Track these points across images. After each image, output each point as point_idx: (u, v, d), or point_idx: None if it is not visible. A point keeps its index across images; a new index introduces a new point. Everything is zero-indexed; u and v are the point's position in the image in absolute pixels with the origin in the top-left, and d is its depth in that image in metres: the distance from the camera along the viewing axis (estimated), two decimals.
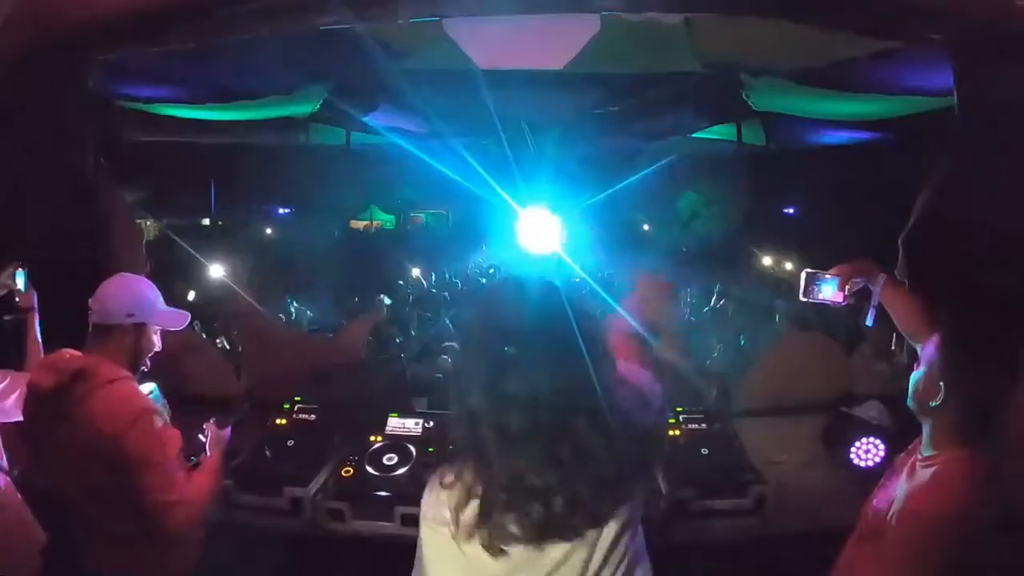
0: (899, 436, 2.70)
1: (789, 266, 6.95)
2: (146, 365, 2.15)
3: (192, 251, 5.69)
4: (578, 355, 1.17)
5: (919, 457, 1.69)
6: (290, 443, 2.73)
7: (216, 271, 5.60)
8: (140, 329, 2.08)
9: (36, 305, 2.54)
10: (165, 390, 2.40)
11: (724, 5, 3.25)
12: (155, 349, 2.15)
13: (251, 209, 8.11)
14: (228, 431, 2.36)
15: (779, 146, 6.79)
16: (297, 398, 2.94)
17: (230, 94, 4.78)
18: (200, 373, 3.59)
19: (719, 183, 7.80)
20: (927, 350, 1.66)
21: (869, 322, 2.00)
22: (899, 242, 3.37)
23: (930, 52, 3.56)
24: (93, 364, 1.98)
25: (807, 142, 6.87)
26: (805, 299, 2.02)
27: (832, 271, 1.98)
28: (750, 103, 5.84)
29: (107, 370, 1.98)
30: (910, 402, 1.71)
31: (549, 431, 1.15)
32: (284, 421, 2.86)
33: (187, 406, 3.12)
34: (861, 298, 2.03)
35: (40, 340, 2.52)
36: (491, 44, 3.33)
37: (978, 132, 3.02)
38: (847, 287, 1.96)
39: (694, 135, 7.10)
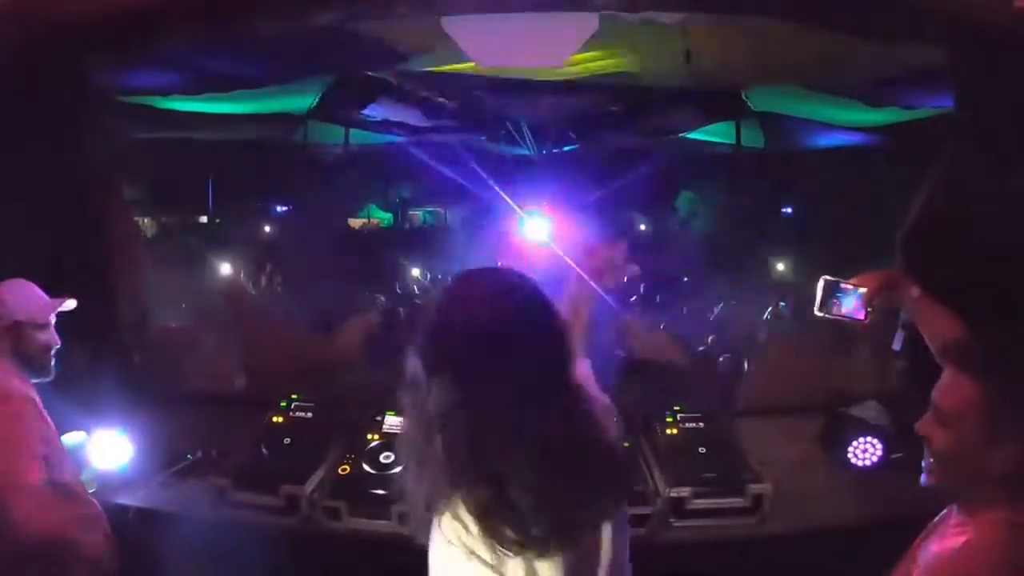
0: (896, 435, 2.71)
1: (781, 267, 6.95)
2: (46, 365, 2.12)
3: (190, 248, 5.69)
4: (553, 359, 1.10)
5: (950, 523, 1.36)
6: (287, 441, 2.73)
7: (214, 268, 5.59)
8: (14, 328, 2.05)
9: None
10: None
11: (722, 5, 3.25)
12: (47, 344, 2.12)
13: (249, 207, 8.09)
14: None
15: (777, 147, 6.80)
16: (294, 396, 2.94)
17: (228, 82, 4.77)
18: (197, 372, 3.59)
19: (716, 183, 7.82)
20: (964, 389, 1.26)
21: (897, 346, 1.80)
22: (896, 243, 3.39)
23: (931, 73, 3.59)
24: None
25: (805, 144, 6.89)
26: (821, 313, 1.75)
27: (855, 281, 1.73)
28: (748, 104, 5.87)
29: None
30: (941, 467, 1.31)
31: (525, 442, 1.05)
32: (281, 419, 2.86)
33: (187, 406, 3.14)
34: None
35: None
36: (489, 43, 3.32)
37: (977, 136, 3.03)
38: (872, 301, 1.70)
39: (692, 136, 7.11)
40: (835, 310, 1.74)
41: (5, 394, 1.96)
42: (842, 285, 1.74)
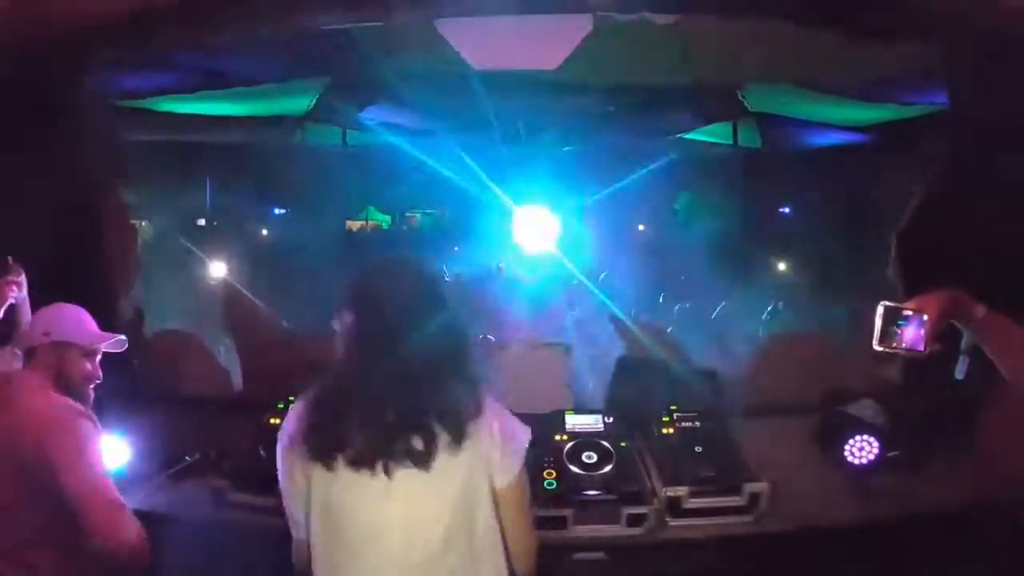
0: (893, 434, 2.71)
1: (780, 266, 6.97)
2: (84, 396, 2.11)
3: (187, 251, 5.69)
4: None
5: None
6: None
7: (212, 271, 5.60)
8: (61, 348, 2.06)
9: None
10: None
11: (718, 5, 3.26)
12: (89, 375, 2.12)
13: (247, 210, 8.09)
14: None
15: (774, 147, 6.82)
16: (291, 397, 2.93)
17: (225, 83, 4.78)
18: (196, 374, 3.59)
19: (715, 183, 7.82)
20: None
21: (960, 375, 1.58)
22: (893, 239, 3.39)
23: (926, 72, 3.60)
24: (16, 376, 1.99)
25: (802, 143, 6.90)
26: (881, 348, 1.53)
27: (913, 304, 1.53)
28: (746, 104, 5.88)
29: (29, 381, 1.97)
30: None
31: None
32: (278, 420, 2.85)
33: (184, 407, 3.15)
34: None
35: None
36: (484, 44, 3.34)
37: (971, 133, 3.04)
38: (936, 329, 1.50)
39: (689, 136, 7.12)
40: (896, 342, 1.52)
41: (75, 411, 1.93)
42: (904, 312, 1.52)
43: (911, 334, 1.51)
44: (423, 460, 1.45)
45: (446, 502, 1.48)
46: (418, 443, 1.45)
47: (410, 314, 1.52)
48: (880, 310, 1.53)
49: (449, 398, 1.48)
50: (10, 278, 2.46)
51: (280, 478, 1.62)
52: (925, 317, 1.50)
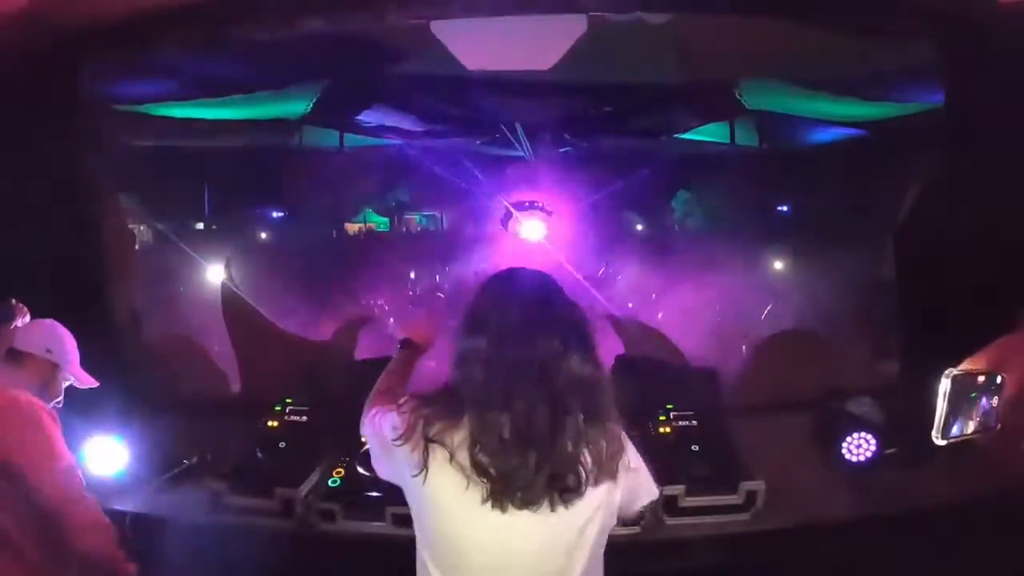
0: (890, 431, 2.71)
1: (779, 265, 6.97)
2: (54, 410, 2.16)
3: (185, 255, 5.69)
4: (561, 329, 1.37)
5: None
6: (281, 444, 2.73)
7: (210, 275, 5.59)
8: (55, 368, 2.18)
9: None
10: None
11: (714, 4, 3.27)
12: (59, 398, 2.22)
13: (245, 213, 8.09)
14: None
15: (772, 145, 6.82)
16: (288, 400, 2.94)
17: (222, 86, 4.79)
18: (193, 378, 3.59)
19: (712, 182, 7.82)
20: None
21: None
22: (891, 240, 3.40)
23: (921, 67, 3.60)
24: None
25: (800, 141, 6.90)
26: (953, 435, 1.17)
27: (984, 362, 1.20)
28: (742, 102, 5.88)
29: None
30: None
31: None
32: (275, 423, 2.86)
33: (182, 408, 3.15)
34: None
35: None
36: (479, 46, 3.34)
37: (967, 129, 3.04)
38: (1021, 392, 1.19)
39: (687, 136, 7.12)
40: (966, 426, 1.14)
41: (39, 409, 1.99)
42: (978, 380, 1.11)
43: (984, 406, 1.14)
44: (572, 497, 1.35)
45: (568, 537, 1.39)
46: (572, 481, 1.35)
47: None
48: (946, 385, 1.11)
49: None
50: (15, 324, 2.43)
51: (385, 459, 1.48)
52: (1000, 379, 1.16)
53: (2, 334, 2.27)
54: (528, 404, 1.32)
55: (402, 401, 1.45)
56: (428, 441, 1.36)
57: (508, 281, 1.50)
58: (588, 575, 1.40)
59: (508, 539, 1.36)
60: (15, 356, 2.15)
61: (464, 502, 1.34)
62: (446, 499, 1.36)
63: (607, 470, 1.37)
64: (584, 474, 1.34)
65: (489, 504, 1.33)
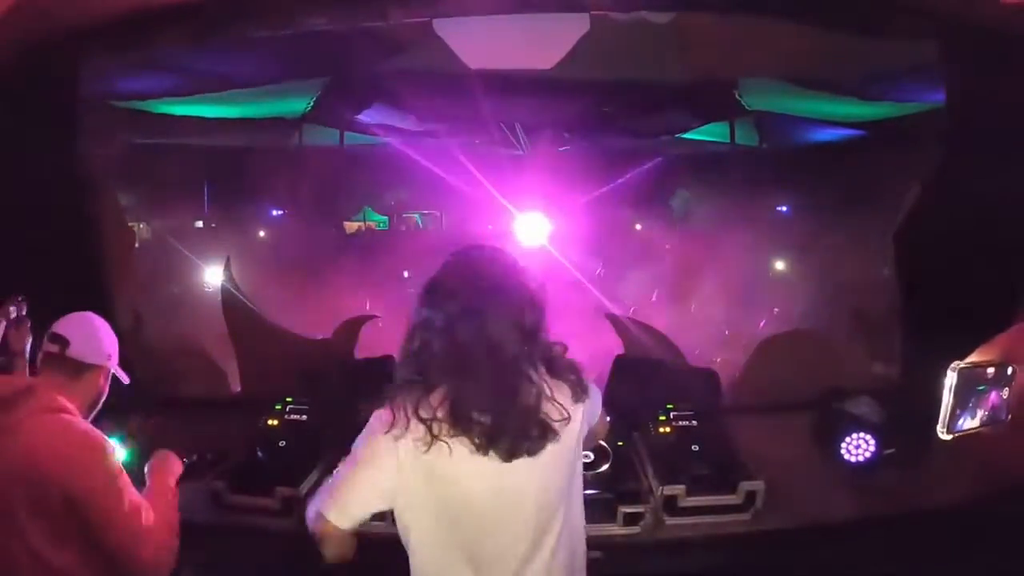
0: (890, 431, 2.71)
1: (779, 264, 6.97)
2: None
3: (185, 253, 5.68)
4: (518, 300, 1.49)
5: None
6: (282, 443, 2.74)
7: (210, 273, 5.59)
8: (108, 376, 1.96)
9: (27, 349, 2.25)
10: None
11: (715, 3, 3.27)
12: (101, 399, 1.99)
13: (244, 211, 8.08)
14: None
15: (772, 145, 6.82)
16: (288, 399, 2.94)
17: (222, 84, 4.79)
18: (193, 376, 3.59)
19: (712, 182, 7.81)
20: None
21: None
22: (891, 239, 3.40)
23: (921, 67, 3.61)
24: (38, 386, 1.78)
25: (799, 140, 6.90)
26: (958, 428, 1.16)
27: (993, 354, 1.18)
28: (742, 102, 5.88)
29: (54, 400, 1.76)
30: None
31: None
32: (276, 422, 2.86)
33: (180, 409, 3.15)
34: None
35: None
36: (480, 44, 3.34)
37: (968, 130, 3.05)
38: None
39: (686, 135, 7.12)
40: (973, 418, 1.13)
41: (103, 443, 1.77)
42: (986, 372, 1.08)
43: (993, 399, 1.10)
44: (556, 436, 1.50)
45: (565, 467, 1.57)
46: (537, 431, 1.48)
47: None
48: (952, 378, 1.07)
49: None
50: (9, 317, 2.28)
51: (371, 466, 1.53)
52: (1011, 370, 1.11)
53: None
54: (489, 366, 1.44)
55: (378, 411, 1.54)
56: (420, 420, 1.45)
57: (466, 254, 1.63)
58: (576, 511, 1.61)
59: (504, 488, 1.48)
60: (75, 368, 1.86)
61: (463, 462, 1.44)
62: (444, 462, 1.45)
63: (573, 413, 1.53)
64: (550, 422, 1.48)
65: (480, 455, 1.44)
